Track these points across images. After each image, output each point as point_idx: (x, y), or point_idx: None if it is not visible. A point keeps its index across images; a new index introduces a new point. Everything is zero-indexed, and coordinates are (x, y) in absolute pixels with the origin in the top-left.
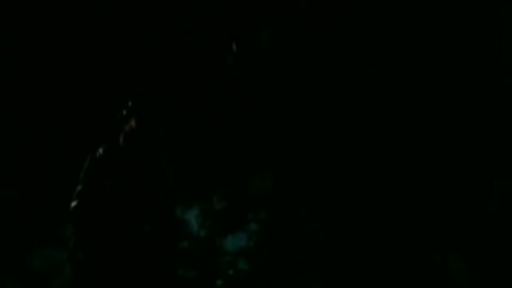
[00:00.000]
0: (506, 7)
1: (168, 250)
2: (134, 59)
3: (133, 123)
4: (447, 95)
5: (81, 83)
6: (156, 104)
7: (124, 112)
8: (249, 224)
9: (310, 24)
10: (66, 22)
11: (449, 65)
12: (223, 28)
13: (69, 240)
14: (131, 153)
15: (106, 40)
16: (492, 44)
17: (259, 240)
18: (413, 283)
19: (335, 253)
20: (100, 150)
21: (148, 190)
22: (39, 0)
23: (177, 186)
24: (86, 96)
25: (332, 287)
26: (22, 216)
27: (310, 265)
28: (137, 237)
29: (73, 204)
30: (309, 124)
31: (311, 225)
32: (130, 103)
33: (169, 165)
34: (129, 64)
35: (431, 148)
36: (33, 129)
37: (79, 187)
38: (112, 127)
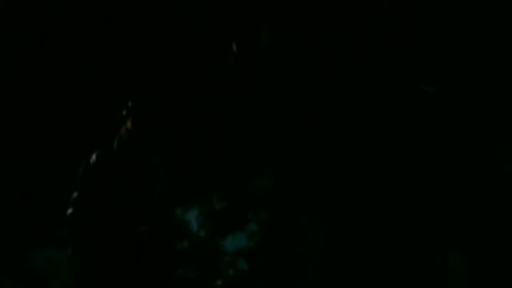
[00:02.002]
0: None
1: (168, 251)
2: (132, 60)
3: (129, 124)
4: (447, 94)
5: (79, 85)
6: (153, 104)
7: (124, 112)
8: (249, 224)
9: (310, 24)
10: (65, 22)
11: (451, 65)
12: (223, 28)
13: (67, 244)
14: (126, 155)
15: (104, 41)
16: (493, 45)
17: (259, 240)
18: (413, 282)
19: (335, 253)
20: (94, 156)
21: (143, 192)
22: (38, 0)
23: (176, 187)
24: (86, 96)
25: (332, 287)
26: (22, 216)
27: (310, 265)
28: (135, 239)
29: (69, 211)
30: (310, 124)
31: (311, 225)
32: (130, 104)
33: (164, 166)
34: (128, 65)
35: (431, 147)
36: (33, 128)
37: (74, 194)
38: (108, 129)
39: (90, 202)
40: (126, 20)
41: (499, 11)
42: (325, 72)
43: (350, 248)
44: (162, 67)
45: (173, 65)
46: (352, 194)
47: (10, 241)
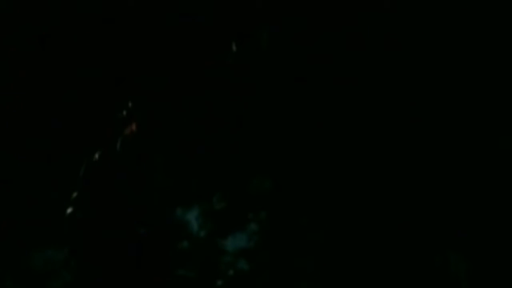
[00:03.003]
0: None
1: (168, 251)
2: (133, 60)
3: (133, 126)
4: (447, 93)
5: (79, 85)
6: (154, 104)
7: (124, 112)
8: (249, 224)
9: (310, 24)
10: (65, 22)
11: (450, 64)
12: (223, 28)
13: (67, 244)
14: (129, 156)
15: (104, 41)
16: (492, 43)
17: (259, 240)
18: (413, 282)
19: (335, 252)
20: (96, 155)
21: (144, 192)
22: (38, 1)
23: (176, 187)
24: (86, 97)
25: (332, 287)
26: (22, 216)
27: (310, 265)
28: (135, 239)
29: (69, 211)
30: (310, 124)
31: (311, 225)
32: (130, 104)
33: (164, 166)
34: (128, 65)
35: (430, 148)
36: (33, 128)
37: (75, 193)
38: (110, 129)
39: (90, 202)
40: (127, 20)
41: (499, 11)
42: (324, 72)
43: (350, 248)
44: (163, 67)
45: (173, 65)
46: (352, 194)
47: (10, 241)
